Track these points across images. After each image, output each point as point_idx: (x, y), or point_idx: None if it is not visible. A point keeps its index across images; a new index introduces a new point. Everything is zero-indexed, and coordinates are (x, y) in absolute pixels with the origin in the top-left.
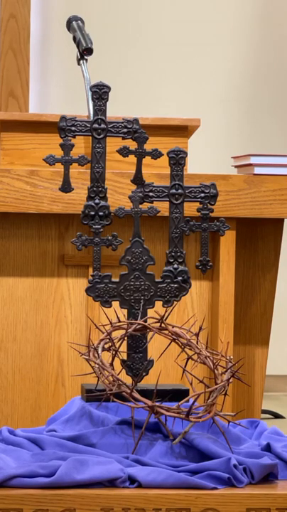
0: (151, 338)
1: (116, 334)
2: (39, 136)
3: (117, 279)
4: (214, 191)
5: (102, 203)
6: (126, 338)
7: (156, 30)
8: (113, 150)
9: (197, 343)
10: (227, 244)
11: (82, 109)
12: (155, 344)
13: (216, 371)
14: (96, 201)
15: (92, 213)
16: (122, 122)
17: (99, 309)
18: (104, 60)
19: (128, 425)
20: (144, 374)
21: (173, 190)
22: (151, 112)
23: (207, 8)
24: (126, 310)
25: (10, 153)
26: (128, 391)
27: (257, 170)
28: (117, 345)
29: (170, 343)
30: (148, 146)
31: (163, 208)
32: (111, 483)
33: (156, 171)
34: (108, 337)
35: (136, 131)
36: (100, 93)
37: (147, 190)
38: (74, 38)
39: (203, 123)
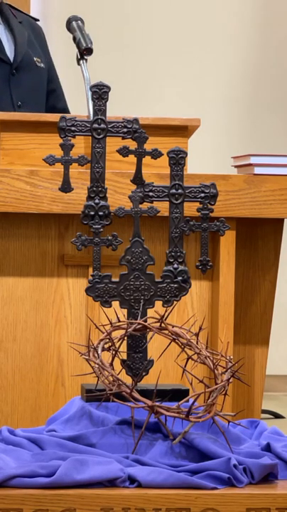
0: (151, 338)
1: (116, 334)
2: (39, 136)
3: (117, 279)
4: (214, 191)
5: (102, 202)
6: (126, 338)
7: (156, 30)
8: (113, 150)
9: (197, 343)
10: (227, 244)
11: (82, 109)
12: (155, 344)
13: (216, 371)
14: (96, 201)
15: (92, 213)
16: (122, 122)
17: (99, 309)
18: (104, 60)
19: (128, 425)
20: (144, 374)
21: (173, 190)
22: (151, 112)
23: (207, 8)
24: (126, 310)
25: (10, 153)
26: (128, 391)
27: (257, 170)
28: (117, 345)
29: (170, 343)
30: (148, 146)
31: (163, 208)
32: (111, 483)
33: (156, 171)
34: (108, 337)
35: (136, 131)
36: (100, 93)
37: (147, 190)
38: (74, 38)
39: (203, 123)
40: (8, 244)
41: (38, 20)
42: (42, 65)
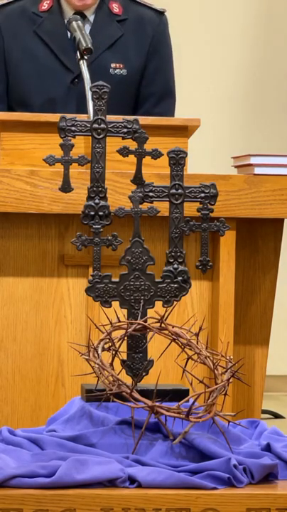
0: (151, 338)
1: (116, 334)
2: (39, 136)
3: (117, 279)
4: (214, 191)
5: (102, 203)
6: (126, 338)
7: None
8: (113, 150)
9: (197, 343)
10: (227, 244)
11: None
12: (155, 344)
13: (216, 371)
14: (96, 201)
15: (92, 213)
16: (122, 122)
17: (99, 309)
18: None
19: (128, 425)
20: (144, 374)
21: (173, 190)
22: None
23: (210, 8)
24: (126, 310)
25: (10, 153)
26: (128, 391)
27: (257, 170)
28: (117, 345)
29: (170, 343)
30: (148, 146)
31: (163, 208)
32: (111, 483)
33: (156, 171)
34: (108, 337)
35: (136, 131)
36: (100, 93)
37: (147, 190)
38: (74, 38)
39: (203, 123)
40: (8, 244)
41: (162, 12)
42: (123, 71)
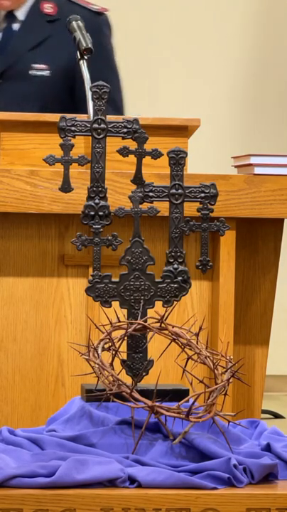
0: (151, 338)
1: (116, 334)
2: (39, 136)
3: (117, 279)
4: (214, 191)
5: (102, 203)
6: (126, 338)
7: (157, 30)
8: (113, 150)
9: (197, 343)
10: (227, 244)
11: None
12: (155, 344)
13: (216, 371)
14: (96, 201)
15: (92, 213)
16: (122, 122)
17: (99, 309)
18: None
19: (128, 425)
20: (144, 374)
21: (173, 190)
22: (151, 111)
23: (209, 7)
24: (126, 310)
25: (10, 153)
26: (128, 391)
27: (257, 170)
28: (117, 345)
29: (170, 343)
30: (148, 146)
31: (163, 208)
32: (111, 483)
33: (156, 171)
34: (108, 337)
35: (136, 131)
36: (100, 93)
37: (147, 190)
38: (74, 38)
39: (203, 123)
40: (8, 244)
41: (100, 13)
42: (45, 72)
